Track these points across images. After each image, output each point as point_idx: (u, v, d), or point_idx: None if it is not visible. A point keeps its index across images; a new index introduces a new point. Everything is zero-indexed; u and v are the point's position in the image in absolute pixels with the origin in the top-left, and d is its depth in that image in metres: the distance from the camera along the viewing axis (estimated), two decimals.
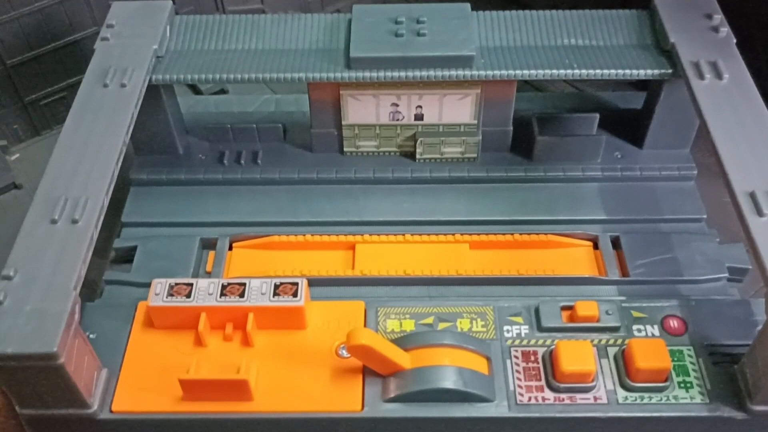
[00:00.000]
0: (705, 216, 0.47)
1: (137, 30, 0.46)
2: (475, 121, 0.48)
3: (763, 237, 0.35)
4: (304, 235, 0.46)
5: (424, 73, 0.44)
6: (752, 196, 0.36)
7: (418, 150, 0.49)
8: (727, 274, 0.44)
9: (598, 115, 0.50)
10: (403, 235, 0.46)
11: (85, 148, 0.39)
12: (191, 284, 0.38)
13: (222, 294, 0.38)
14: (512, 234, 0.46)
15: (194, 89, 0.63)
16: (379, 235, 0.46)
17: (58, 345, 0.32)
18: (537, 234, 0.46)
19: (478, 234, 0.46)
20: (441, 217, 0.47)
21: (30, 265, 0.35)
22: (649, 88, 0.49)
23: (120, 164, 0.40)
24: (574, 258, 0.45)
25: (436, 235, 0.46)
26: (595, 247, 0.46)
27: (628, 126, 0.51)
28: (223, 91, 0.63)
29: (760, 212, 0.36)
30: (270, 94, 0.57)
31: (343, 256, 0.46)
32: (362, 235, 0.46)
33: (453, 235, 0.46)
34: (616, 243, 0.46)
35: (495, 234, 0.46)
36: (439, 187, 0.49)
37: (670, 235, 0.45)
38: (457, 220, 0.47)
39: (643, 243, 0.45)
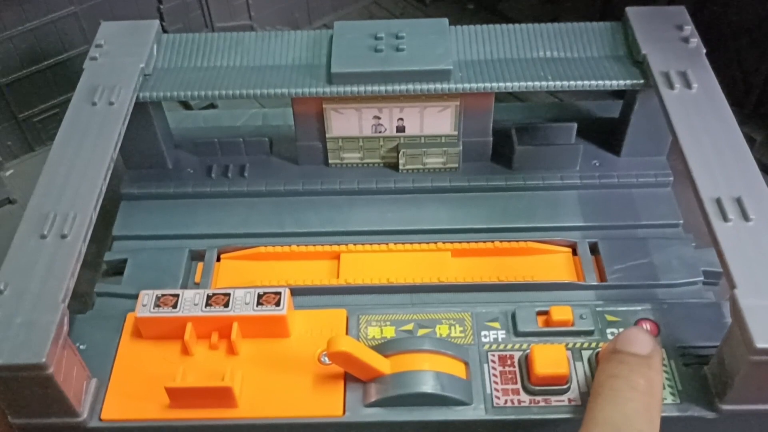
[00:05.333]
0: (681, 221, 0.48)
1: (125, 49, 0.47)
2: (456, 132, 0.50)
3: (728, 241, 0.36)
4: (290, 245, 0.47)
5: (404, 87, 0.46)
6: (718, 202, 0.38)
7: (400, 161, 0.50)
8: (702, 278, 0.45)
9: (575, 125, 0.51)
10: (387, 244, 0.47)
11: (74, 165, 0.41)
12: (177, 295, 0.39)
13: (207, 304, 0.39)
14: (493, 241, 0.47)
15: (185, 105, 0.64)
16: (363, 244, 0.47)
17: (46, 355, 0.33)
18: (517, 241, 0.47)
19: (460, 242, 0.47)
20: (424, 226, 0.48)
21: (20, 279, 0.36)
22: (625, 97, 0.51)
23: (108, 180, 0.41)
24: (553, 264, 0.47)
25: (419, 243, 0.47)
26: (574, 253, 0.47)
27: (606, 134, 0.52)
28: (212, 106, 0.64)
29: (725, 217, 0.37)
30: (258, 108, 0.58)
31: (328, 266, 0.47)
32: (347, 244, 0.47)
33: (435, 243, 0.47)
34: (594, 249, 0.47)
35: (476, 242, 0.47)
36: (422, 197, 0.50)
37: (647, 241, 0.46)
38: (439, 229, 0.48)
39: (621, 248, 0.46)
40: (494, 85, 0.45)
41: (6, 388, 0.35)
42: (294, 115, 0.49)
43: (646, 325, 0.40)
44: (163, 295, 0.39)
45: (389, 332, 0.40)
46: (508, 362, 0.38)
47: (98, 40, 0.48)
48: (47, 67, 0.61)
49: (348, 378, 0.38)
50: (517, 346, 0.39)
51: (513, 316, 0.40)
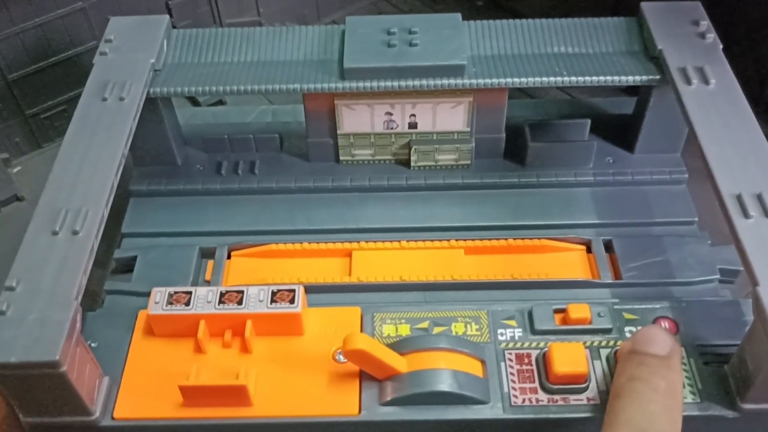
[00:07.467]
0: (696, 219, 0.47)
1: (135, 44, 0.47)
2: (468, 129, 0.49)
3: (750, 238, 0.35)
4: (301, 243, 0.47)
5: (417, 83, 0.45)
6: (739, 198, 0.37)
7: (412, 158, 0.50)
8: (718, 276, 0.44)
9: (589, 121, 0.50)
10: (399, 241, 0.47)
11: (85, 161, 0.40)
12: (190, 292, 0.39)
13: (220, 302, 0.38)
14: (506, 239, 0.46)
15: (193, 101, 0.64)
16: (375, 242, 0.47)
17: (60, 353, 0.32)
18: (531, 239, 0.46)
19: (473, 239, 0.46)
20: (436, 224, 0.48)
21: (32, 276, 0.35)
22: (639, 93, 0.50)
23: (119, 176, 0.40)
24: (568, 262, 0.46)
25: (432, 241, 0.47)
26: (588, 250, 0.47)
27: (620, 131, 0.52)
28: (221, 103, 0.64)
29: (746, 214, 0.36)
30: (267, 105, 0.57)
31: (340, 263, 0.47)
32: (359, 242, 0.47)
33: (448, 240, 0.47)
34: (608, 246, 0.46)
35: (489, 239, 0.46)
36: (434, 194, 0.49)
37: (662, 238, 0.46)
38: (451, 226, 0.47)
39: (636, 246, 0.46)
40: (509, 80, 0.45)
41: (18, 387, 0.34)
42: (305, 111, 0.49)
43: (665, 324, 0.39)
44: (175, 293, 0.39)
45: (404, 330, 0.40)
46: (526, 361, 0.38)
47: (108, 35, 0.48)
48: (55, 63, 0.60)
49: (363, 376, 0.37)
50: (534, 344, 0.39)
51: (530, 314, 0.40)
